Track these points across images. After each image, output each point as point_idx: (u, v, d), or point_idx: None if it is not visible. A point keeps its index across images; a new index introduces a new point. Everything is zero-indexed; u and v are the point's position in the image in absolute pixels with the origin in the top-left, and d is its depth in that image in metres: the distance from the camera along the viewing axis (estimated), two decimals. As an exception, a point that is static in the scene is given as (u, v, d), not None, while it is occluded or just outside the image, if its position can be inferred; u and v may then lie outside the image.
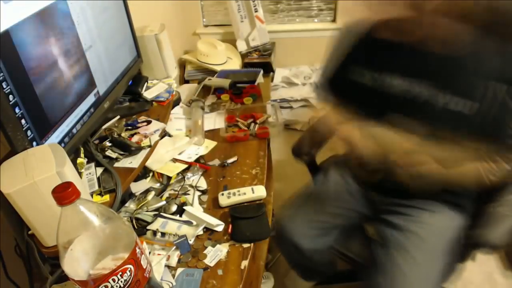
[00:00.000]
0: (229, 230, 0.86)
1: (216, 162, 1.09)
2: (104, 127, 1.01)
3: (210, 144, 1.16)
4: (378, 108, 0.92)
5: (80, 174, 0.85)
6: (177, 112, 1.31)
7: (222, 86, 1.48)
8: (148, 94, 1.26)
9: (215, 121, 1.28)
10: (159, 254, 0.80)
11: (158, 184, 1.01)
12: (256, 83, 1.51)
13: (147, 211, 0.91)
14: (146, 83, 1.31)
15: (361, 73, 0.96)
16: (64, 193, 0.51)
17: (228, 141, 1.17)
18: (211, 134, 1.22)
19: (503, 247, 0.87)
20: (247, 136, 1.17)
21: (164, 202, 0.94)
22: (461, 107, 0.85)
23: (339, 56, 1.04)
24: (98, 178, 0.88)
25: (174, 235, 0.84)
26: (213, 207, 0.94)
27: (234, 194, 0.95)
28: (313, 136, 1.19)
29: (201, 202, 0.95)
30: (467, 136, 0.85)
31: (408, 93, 0.90)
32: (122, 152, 0.97)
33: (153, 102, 1.25)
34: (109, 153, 0.95)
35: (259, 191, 0.96)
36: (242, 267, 0.78)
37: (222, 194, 0.94)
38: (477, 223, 0.90)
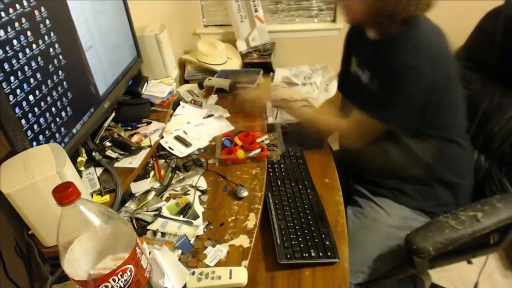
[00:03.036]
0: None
1: (216, 161, 1.09)
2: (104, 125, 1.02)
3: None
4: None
5: (80, 172, 0.85)
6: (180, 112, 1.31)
7: (222, 86, 1.48)
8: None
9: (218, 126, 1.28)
10: (159, 254, 0.79)
11: (158, 184, 1.01)
12: (255, 84, 1.51)
13: (147, 211, 0.91)
14: (146, 83, 1.31)
15: (352, 61, 1.18)
16: (65, 193, 0.51)
17: (224, 163, 1.09)
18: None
19: (427, 255, 0.90)
20: (245, 159, 1.08)
21: (164, 202, 0.94)
22: (364, 78, 1.08)
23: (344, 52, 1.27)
24: (98, 178, 0.88)
25: (174, 235, 0.84)
26: (213, 207, 0.94)
27: (207, 276, 0.75)
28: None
29: (201, 202, 0.95)
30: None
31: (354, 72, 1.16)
32: (122, 152, 0.97)
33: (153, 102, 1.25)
34: (109, 153, 0.95)
35: (239, 277, 0.75)
36: (243, 267, 0.78)
37: (193, 273, 0.75)
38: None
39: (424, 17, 0.97)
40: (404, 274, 1.08)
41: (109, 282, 0.56)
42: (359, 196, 1.17)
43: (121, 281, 0.58)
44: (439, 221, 0.94)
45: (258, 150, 1.09)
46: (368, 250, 1.02)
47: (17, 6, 0.68)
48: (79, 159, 0.88)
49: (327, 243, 0.88)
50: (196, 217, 0.90)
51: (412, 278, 1.44)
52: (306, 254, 0.85)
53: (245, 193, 0.96)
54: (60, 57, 0.80)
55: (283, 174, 1.11)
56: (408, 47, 0.93)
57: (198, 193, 0.97)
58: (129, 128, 1.09)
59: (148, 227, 0.87)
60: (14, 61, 0.66)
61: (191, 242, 0.83)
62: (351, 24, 1.14)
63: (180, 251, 0.81)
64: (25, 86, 0.69)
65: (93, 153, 0.92)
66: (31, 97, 0.70)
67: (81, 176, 0.85)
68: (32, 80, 0.71)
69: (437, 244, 0.89)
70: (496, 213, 0.94)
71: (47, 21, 0.76)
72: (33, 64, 0.71)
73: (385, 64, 0.97)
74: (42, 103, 0.74)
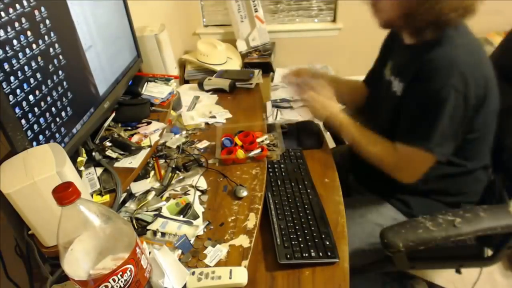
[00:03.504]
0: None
1: (216, 161, 1.09)
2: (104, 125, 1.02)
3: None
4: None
5: (80, 172, 0.85)
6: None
7: (222, 86, 1.48)
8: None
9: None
10: (159, 254, 0.79)
11: (158, 184, 1.01)
12: (253, 85, 1.51)
13: (147, 211, 0.91)
14: (146, 83, 1.31)
15: (387, 66, 1.14)
16: (65, 193, 0.51)
17: (224, 163, 1.09)
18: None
19: (396, 250, 0.91)
20: (245, 159, 1.08)
21: (164, 203, 0.94)
22: (396, 88, 1.04)
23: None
24: (98, 178, 0.88)
25: (174, 235, 0.84)
26: (213, 207, 0.94)
27: (207, 276, 0.75)
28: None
29: (201, 202, 0.95)
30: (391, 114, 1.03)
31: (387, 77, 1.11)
32: (122, 152, 0.97)
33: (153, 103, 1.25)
34: (109, 153, 0.95)
35: (239, 277, 0.75)
36: (243, 266, 0.78)
37: (193, 273, 0.75)
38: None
39: (463, 25, 0.93)
40: (381, 270, 1.09)
41: (109, 282, 0.56)
42: (356, 192, 1.19)
43: (121, 281, 0.58)
44: (415, 220, 0.94)
45: (258, 150, 1.09)
46: (349, 242, 0.99)
47: (17, 6, 0.68)
48: (79, 159, 0.88)
49: (327, 243, 0.88)
50: (196, 217, 0.90)
51: (402, 283, 1.45)
52: (306, 254, 0.85)
53: (244, 193, 0.96)
54: (60, 57, 0.80)
55: (283, 174, 1.11)
56: (446, 65, 0.88)
57: (198, 193, 0.98)
58: (129, 128, 1.09)
59: (148, 227, 0.87)
60: (14, 61, 0.66)
61: (191, 242, 0.83)
62: (383, 28, 1.05)
63: (180, 251, 0.81)
64: (25, 86, 0.69)
65: (93, 153, 0.92)
66: (31, 97, 0.70)
67: (81, 176, 0.85)
68: (32, 80, 0.71)
69: (408, 242, 0.90)
70: (476, 222, 0.92)
71: (47, 21, 0.76)
72: (33, 64, 0.71)
73: (424, 84, 0.91)
74: (42, 103, 0.74)
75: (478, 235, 0.96)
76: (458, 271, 1.15)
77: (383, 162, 1.02)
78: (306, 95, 1.13)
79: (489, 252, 1.08)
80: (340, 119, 1.08)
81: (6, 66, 0.65)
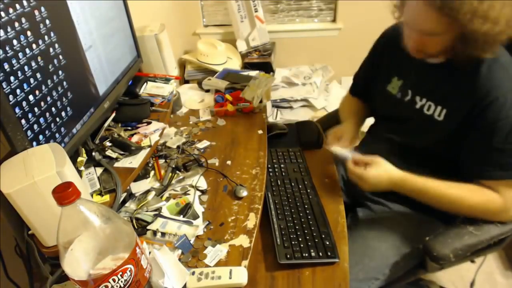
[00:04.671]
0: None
1: (216, 161, 1.09)
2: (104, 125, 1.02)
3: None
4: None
5: (80, 172, 0.85)
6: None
7: (218, 88, 1.48)
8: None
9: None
10: (159, 254, 0.79)
11: (158, 184, 1.01)
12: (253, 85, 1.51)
13: (147, 211, 0.91)
14: (145, 83, 1.31)
15: (393, 81, 1.09)
16: (65, 193, 0.51)
17: (216, 114, 1.31)
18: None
19: (447, 262, 0.89)
20: (234, 111, 1.31)
21: (164, 202, 0.94)
22: (432, 111, 0.96)
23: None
24: (98, 178, 0.88)
25: (174, 235, 0.84)
26: (213, 207, 0.94)
27: (207, 276, 0.75)
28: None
29: (201, 202, 0.95)
30: (435, 142, 0.97)
31: (398, 95, 1.06)
32: (122, 152, 0.97)
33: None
34: (109, 153, 0.95)
35: (239, 277, 0.75)
36: (243, 266, 0.78)
37: (193, 273, 0.75)
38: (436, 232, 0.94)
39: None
40: (414, 277, 1.06)
41: (109, 282, 0.56)
42: (369, 201, 1.12)
43: (121, 281, 0.58)
44: (457, 227, 0.93)
45: (246, 104, 1.32)
46: (383, 257, 0.98)
47: (17, 6, 0.68)
48: (79, 159, 0.88)
49: (327, 243, 0.88)
50: (196, 217, 0.90)
51: (419, 284, 1.44)
52: (306, 254, 0.85)
53: (244, 193, 0.96)
54: (60, 57, 0.80)
55: (283, 174, 1.11)
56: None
57: (198, 193, 0.98)
58: (129, 128, 1.09)
59: (148, 227, 0.87)
60: (14, 61, 0.66)
61: (191, 242, 0.83)
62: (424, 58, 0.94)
63: (180, 251, 0.81)
64: (25, 86, 0.69)
65: (93, 153, 0.92)
66: (31, 97, 0.70)
67: (81, 176, 0.85)
68: (32, 80, 0.71)
69: (457, 251, 0.88)
70: None
71: (47, 21, 0.76)
72: (33, 64, 0.71)
73: (501, 113, 0.83)
74: (42, 103, 0.74)
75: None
76: (472, 261, 1.14)
77: (489, 210, 0.91)
78: (358, 175, 0.97)
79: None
80: (409, 184, 0.94)
81: (6, 66, 0.65)
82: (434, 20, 0.80)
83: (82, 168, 0.89)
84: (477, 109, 0.87)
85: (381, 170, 0.94)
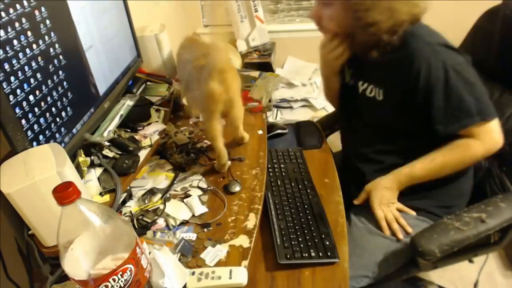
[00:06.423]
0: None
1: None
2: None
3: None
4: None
5: (82, 172, 0.85)
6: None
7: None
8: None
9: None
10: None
11: (159, 184, 1.00)
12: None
13: (147, 211, 0.91)
14: (145, 83, 1.31)
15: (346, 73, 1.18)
16: (65, 193, 0.51)
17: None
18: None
19: (433, 257, 0.90)
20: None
21: (164, 203, 0.94)
22: (374, 93, 1.06)
23: None
24: (98, 178, 0.88)
25: (174, 236, 0.84)
26: (213, 207, 0.94)
27: (207, 276, 0.75)
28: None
29: (201, 202, 0.95)
30: (391, 119, 1.04)
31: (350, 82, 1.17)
32: (120, 152, 0.96)
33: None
34: (106, 152, 0.95)
35: (239, 277, 0.75)
36: (243, 267, 0.78)
37: (193, 273, 0.75)
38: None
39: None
40: (407, 276, 1.07)
41: (109, 282, 0.56)
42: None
43: (121, 281, 0.58)
44: (443, 223, 0.93)
45: (255, 104, 1.27)
46: (372, 255, 1.00)
47: (17, 6, 0.68)
48: (83, 159, 0.88)
49: (327, 243, 0.88)
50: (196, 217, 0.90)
51: (416, 284, 1.44)
52: (306, 254, 0.85)
53: (237, 188, 0.96)
54: (60, 57, 0.80)
55: (283, 174, 1.11)
56: (430, 50, 0.94)
57: (198, 193, 0.97)
58: (128, 130, 1.09)
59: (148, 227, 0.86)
60: (14, 61, 0.66)
61: (192, 242, 0.83)
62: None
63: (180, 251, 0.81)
64: (25, 86, 0.69)
65: (92, 157, 0.91)
66: (31, 97, 0.71)
67: (83, 177, 0.84)
68: (32, 80, 0.71)
69: (443, 246, 0.89)
70: (500, 213, 0.93)
71: (47, 21, 0.76)
72: (33, 64, 0.71)
73: (427, 76, 0.93)
74: (42, 103, 0.74)
75: (503, 226, 0.95)
76: (471, 261, 1.14)
77: (473, 157, 0.99)
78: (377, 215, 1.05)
79: (495, 237, 1.08)
80: (403, 176, 1.03)
81: (6, 66, 0.65)
82: None
83: (85, 168, 0.89)
84: (410, 82, 0.95)
85: (378, 189, 1.05)
